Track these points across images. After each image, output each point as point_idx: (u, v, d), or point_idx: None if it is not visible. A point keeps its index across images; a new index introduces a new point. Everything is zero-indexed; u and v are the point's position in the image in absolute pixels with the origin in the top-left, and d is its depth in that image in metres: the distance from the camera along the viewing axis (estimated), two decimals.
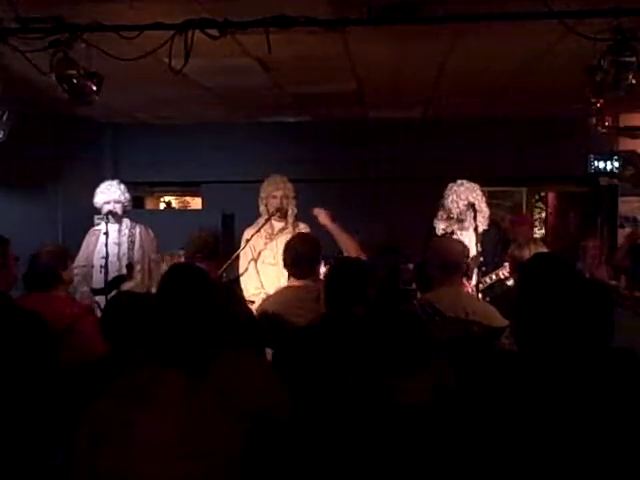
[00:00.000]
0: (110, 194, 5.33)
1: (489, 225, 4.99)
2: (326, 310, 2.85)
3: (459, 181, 4.98)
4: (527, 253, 3.79)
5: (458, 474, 1.85)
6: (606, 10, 3.35)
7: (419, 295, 4.61)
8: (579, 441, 1.85)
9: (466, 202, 4.83)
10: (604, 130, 6.11)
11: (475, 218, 4.70)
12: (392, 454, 1.87)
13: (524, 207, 7.64)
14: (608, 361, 2.00)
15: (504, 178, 7.45)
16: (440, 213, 5.00)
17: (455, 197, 4.89)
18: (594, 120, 6.00)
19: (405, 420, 1.91)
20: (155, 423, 1.95)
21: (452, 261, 3.31)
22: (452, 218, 4.93)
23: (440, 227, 5.00)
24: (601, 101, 5.35)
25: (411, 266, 5.06)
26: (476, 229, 4.67)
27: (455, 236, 4.85)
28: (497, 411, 1.91)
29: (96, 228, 5.38)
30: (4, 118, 4.47)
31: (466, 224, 4.89)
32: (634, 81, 3.53)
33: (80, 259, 5.19)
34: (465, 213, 4.85)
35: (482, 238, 4.72)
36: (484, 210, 4.88)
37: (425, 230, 5.18)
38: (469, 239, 4.70)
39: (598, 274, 5.74)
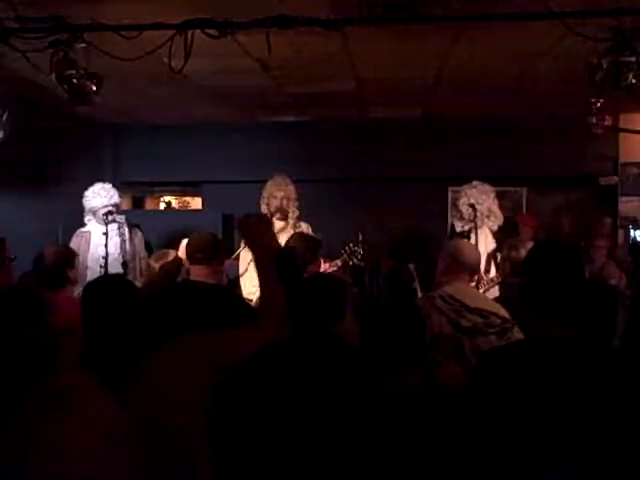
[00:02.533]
0: (110, 199, 5.28)
1: (504, 223, 5.17)
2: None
3: (474, 182, 5.14)
4: (524, 253, 3.84)
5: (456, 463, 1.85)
6: (606, 10, 3.35)
7: (420, 292, 4.69)
8: (577, 435, 1.86)
9: (474, 204, 4.99)
10: (604, 130, 6.10)
11: (475, 217, 4.84)
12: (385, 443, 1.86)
13: (524, 207, 7.63)
14: (610, 358, 2.01)
15: (504, 178, 7.44)
16: (453, 213, 5.18)
17: (466, 199, 5.06)
18: (594, 120, 6.00)
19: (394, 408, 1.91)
20: (78, 430, 1.90)
21: (472, 263, 3.38)
22: (464, 219, 5.10)
23: (458, 225, 5.19)
24: (601, 101, 5.35)
25: (412, 266, 5.11)
26: (475, 227, 4.80)
27: (472, 234, 5.02)
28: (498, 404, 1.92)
29: (83, 230, 5.32)
30: (4, 118, 4.47)
31: (479, 223, 5.03)
32: (634, 81, 3.53)
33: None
34: (474, 214, 5.01)
35: (498, 235, 4.87)
36: (495, 211, 5.05)
37: (434, 230, 5.35)
38: (485, 236, 4.97)
39: (606, 272, 5.77)
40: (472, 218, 4.98)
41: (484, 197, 5.01)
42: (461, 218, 5.13)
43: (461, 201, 5.10)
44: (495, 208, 5.06)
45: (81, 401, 1.95)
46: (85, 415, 1.93)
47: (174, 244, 4.98)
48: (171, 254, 3.98)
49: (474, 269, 3.49)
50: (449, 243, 3.74)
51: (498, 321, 3.05)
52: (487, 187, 5.10)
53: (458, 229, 5.17)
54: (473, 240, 4.81)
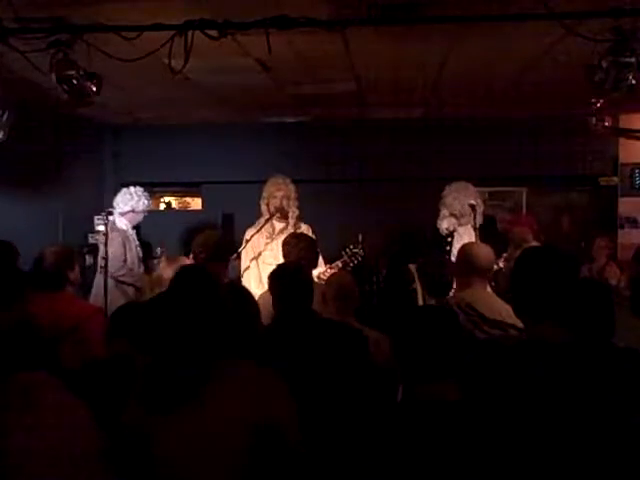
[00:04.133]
0: (149, 204, 5.74)
1: (484, 220, 5.26)
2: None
3: (454, 183, 5.28)
4: None
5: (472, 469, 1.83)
6: (606, 11, 3.35)
7: (420, 294, 4.68)
8: (583, 433, 1.86)
9: (465, 199, 5.10)
10: (604, 130, 6.11)
11: (475, 217, 4.88)
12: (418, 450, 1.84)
13: (524, 207, 7.63)
14: (611, 358, 2.01)
15: (504, 178, 7.45)
16: (442, 212, 5.22)
17: (456, 194, 5.16)
18: (594, 120, 6.01)
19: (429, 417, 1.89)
20: (34, 430, 1.89)
21: (485, 265, 3.38)
22: (454, 215, 5.17)
23: (443, 226, 5.20)
24: (601, 101, 5.36)
25: (412, 266, 5.12)
26: (475, 228, 4.84)
27: (456, 233, 5.16)
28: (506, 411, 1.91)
29: (118, 226, 5.54)
30: (4, 118, 4.47)
31: (464, 220, 5.15)
32: (634, 81, 3.53)
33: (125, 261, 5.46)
34: (464, 209, 5.11)
35: (480, 232, 4.93)
36: (481, 205, 5.18)
37: (429, 231, 5.37)
38: (468, 235, 5.03)
39: (607, 272, 5.79)
40: (462, 212, 5.11)
41: (469, 193, 5.15)
42: (450, 215, 5.20)
43: (450, 197, 5.19)
44: (480, 202, 5.19)
45: (41, 397, 1.95)
46: (45, 410, 1.92)
47: (174, 244, 5.02)
48: (181, 260, 4.01)
49: (489, 270, 3.50)
50: (464, 246, 3.73)
51: (515, 333, 3.00)
52: (467, 184, 5.26)
53: (443, 231, 5.23)
54: (457, 239, 5.03)
